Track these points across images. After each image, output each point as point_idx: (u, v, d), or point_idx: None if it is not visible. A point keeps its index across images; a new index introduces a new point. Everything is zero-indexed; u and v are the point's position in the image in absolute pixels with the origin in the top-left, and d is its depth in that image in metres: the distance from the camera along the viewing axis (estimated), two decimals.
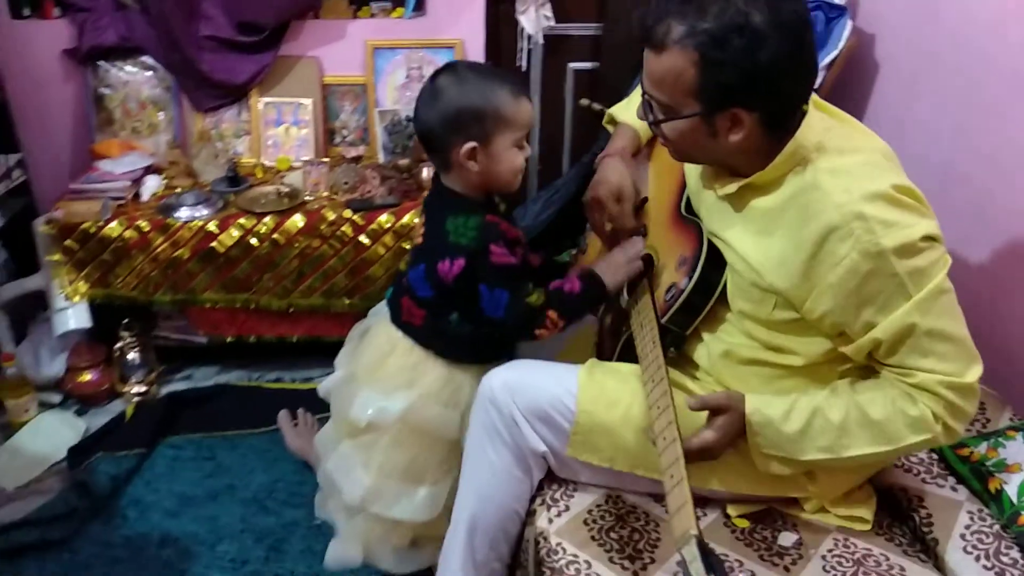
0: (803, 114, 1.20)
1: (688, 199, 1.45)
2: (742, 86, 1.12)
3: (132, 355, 2.30)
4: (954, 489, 1.39)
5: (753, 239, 1.26)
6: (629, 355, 1.43)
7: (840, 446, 1.21)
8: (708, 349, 1.38)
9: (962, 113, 1.81)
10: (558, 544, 1.31)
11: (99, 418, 2.25)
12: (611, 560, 1.27)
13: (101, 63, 2.46)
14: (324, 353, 2.02)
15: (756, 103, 1.14)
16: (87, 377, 2.28)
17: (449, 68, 1.42)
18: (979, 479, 1.37)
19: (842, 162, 1.18)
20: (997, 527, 1.30)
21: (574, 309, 1.46)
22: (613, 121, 1.71)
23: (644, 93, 1.23)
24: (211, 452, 2.14)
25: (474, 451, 1.39)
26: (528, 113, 1.40)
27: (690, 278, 1.32)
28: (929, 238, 1.14)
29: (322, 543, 1.79)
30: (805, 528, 1.35)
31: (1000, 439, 1.39)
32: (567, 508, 1.38)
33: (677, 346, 1.41)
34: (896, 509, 1.40)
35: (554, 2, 2.53)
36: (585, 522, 1.35)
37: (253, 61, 2.47)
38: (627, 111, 1.68)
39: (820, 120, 1.23)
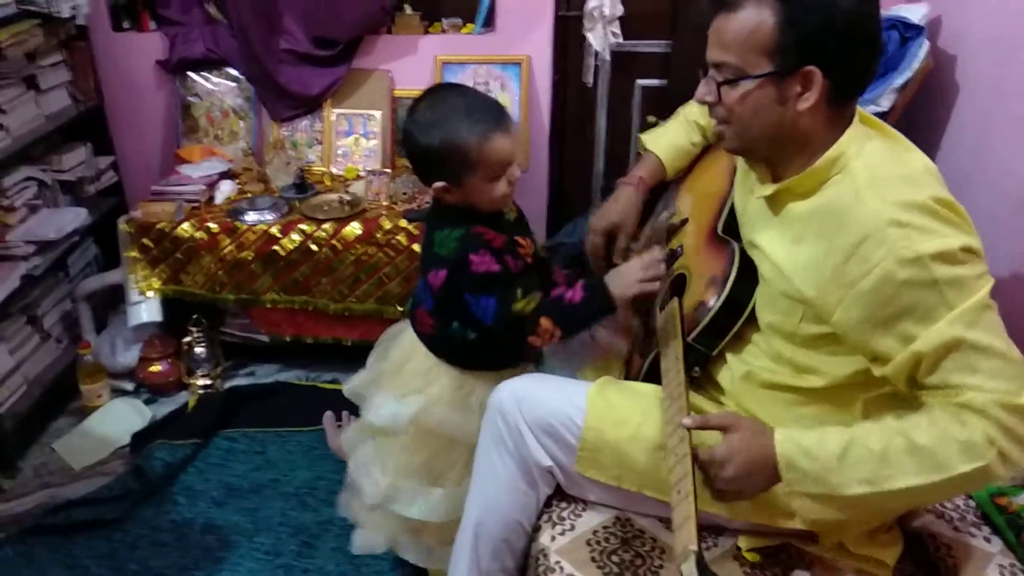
0: (861, 92, 1.17)
1: (727, 219, 1.42)
2: (820, 38, 1.09)
3: (199, 349, 2.42)
4: (987, 540, 1.30)
5: (787, 246, 1.22)
6: (657, 375, 1.41)
7: (882, 477, 1.09)
8: (731, 371, 1.35)
9: None
10: (556, 562, 1.29)
11: (166, 407, 2.39)
12: None
13: (190, 73, 2.62)
14: None
15: (831, 61, 1.10)
16: (157, 368, 2.42)
17: (426, 98, 1.40)
18: (1015, 531, 1.27)
19: (881, 172, 1.14)
20: None
21: (572, 319, 1.40)
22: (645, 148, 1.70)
23: (709, 65, 1.19)
24: (262, 446, 2.22)
25: (481, 460, 1.40)
26: (500, 150, 1.35)
27: (719, 296, 1.30)
28: (969, 250, 1.07)
29: None
30: (820, 567, 1.29)
31: None
32: (572, 527, 1.36)
33: (702, 366, 1.38)
34: (922, 556, 1.32)
35: (623, 19, 2.52)
36: (588, 542, 1.33)
37: (327, 74, 2.57)
38: (657, 140, 1.67)
39: (864, 132, 1.20)
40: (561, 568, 1.28)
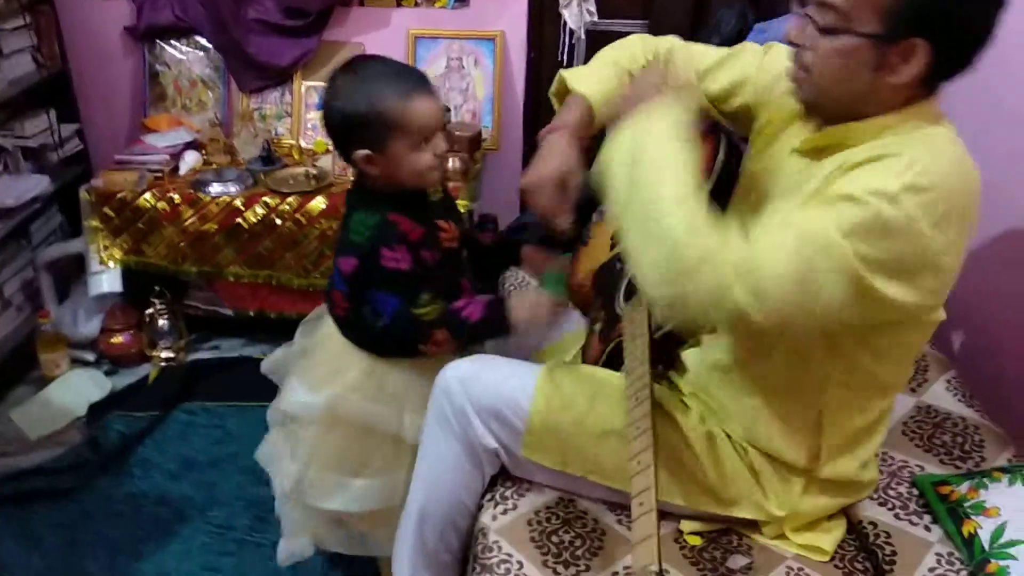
0: (957, 76, 1.06)
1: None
2: (941, 13, 0.99)
3: (162, 322, 2.40)
4: (927, 528, 1.30)
5: None
6: (615, 365, 1.39)
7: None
8: (698, 356, 1.34)
9: None
10: (495, 542, 1.29)
11: (126, 379, 2.37)
12: (544, 563, 1.25)
13: (158, 41, 2.58)
14: None
15: (943, 39, 1.00)
16: (119, 339, 2.40)
17: (344, 68, 1.36)
18: (954, 520, 1.27)
19: (892, 161, 1.01)
20: (964, 574, 1.21)
21: (468, 335, 1.41)
22: (562, 93, 1.44)
23: (814, 2, 1.07)
24: (222, 420, 2.21)
25: (427, 441, 1.39)
26: (424, 113, 1.31)
27: None
28: (914, 189, 0.98)
29: None
30: (760, 553, 1.29)
31: (984, 479, 1.29)
32: (514, 507, 1.36)
33: (666, 364, 1.37)
34: (862, 543, 1.32)
35: None
36: (529, 522, 1.33)
37: (298, 45, 2.53)
38: (583, 79, 1.40)
39: (933, 116, 1.09)
40: (499, 547, 1.28)
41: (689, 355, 1.36)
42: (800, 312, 1.02)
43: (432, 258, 1.42)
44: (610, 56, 1.46)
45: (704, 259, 0.99)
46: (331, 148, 2.46)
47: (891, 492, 1.37)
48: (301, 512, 1.57)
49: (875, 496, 1.37)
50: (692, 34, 2.41)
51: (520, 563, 1.25)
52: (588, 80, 1.39)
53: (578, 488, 1.38)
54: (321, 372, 1.51)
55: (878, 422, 1.27)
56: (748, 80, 1.36)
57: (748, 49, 1.41)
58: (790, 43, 1.13)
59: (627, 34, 2.54)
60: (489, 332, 1.43)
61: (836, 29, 1.05)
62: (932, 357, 1.67)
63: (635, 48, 1.47)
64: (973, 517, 1.25)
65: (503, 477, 1.41)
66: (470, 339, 1.44)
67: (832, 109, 1.13)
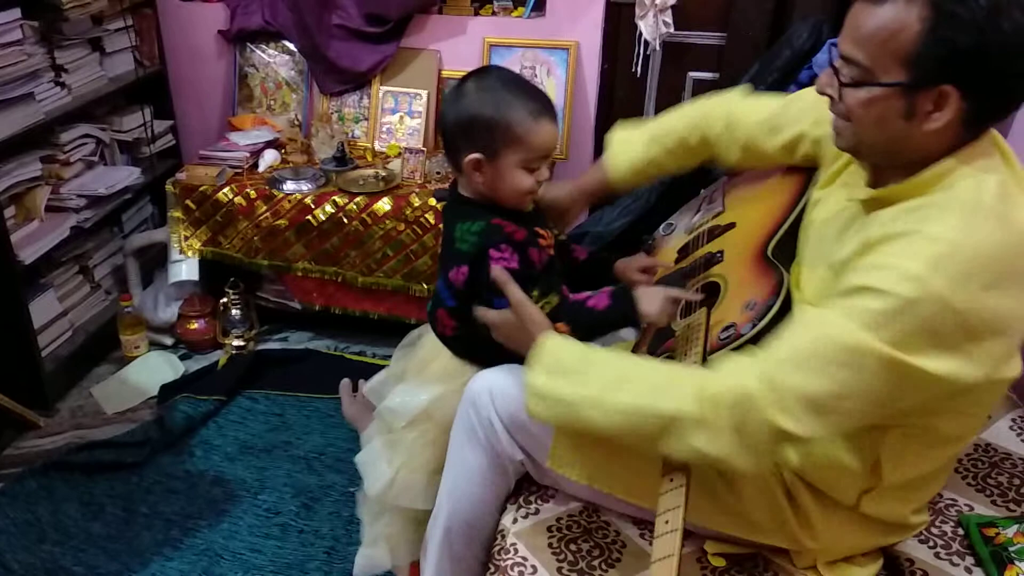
0: (1003, 118, 1.03)
1: (780, 240, 1.32)
2: (967, 60, 0.95)
3: (235, 311, 2.50)
4: (968, 571, 1.22)
5: None
6: None
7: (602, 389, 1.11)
8: None
9: None
10: (512, 544, 1.29)
11: (199, 364, 2.49)
12: (559, 570, 1.24)
13: (248, 45, 2.70)
14: (406, 333, 2.06)
15: (974, 83, 0.96)
16: (194, 326, 2.52)
17: (479, 73, 1.39)
18: (998, 564, 1.19)
19: (970, 240, 0.96)
20: None
21: (591, 326, 1.33)
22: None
23: (839, 56, 1.07)
24: (281, 409, 2.29)
25: (453, 451, 1.38)
26: (545, 137, 1.32)
27: (754, 325, 1.17)
28: (938, 264, 0.94)
29: (349, 510, 1.91)
30: None
31: None
32: (536, 512, 1.35)
33: None
34: None
35: (676, 8, 2.46)
36: (550, 528, 1.32)
37: (377, 51, 2.61)
38: (626, 152, 1.58)
39: (988, 162, 1.03)
40: (516, 550, 1.28)
41: None
42: (855, 417, 1.02)
43: (539, 258, 1.40)
44: (659, 125, 1.58)
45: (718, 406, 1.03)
46: (405, 151, 2.51)
47: (934, 530, 1.30)
48: (385, 517, 1.59)
49: (917, 533, 1.30)
50: (768, 46, 2.35)
51: (535, 567, 1.24)
52: (622, 148, 1.60)
53: (604, 501, 1.36)
54: (434, 380, 1.51)
55: (943, 470, 1.21)
56: (804, 135, 1.38)
57: (802, 99, 1.41)
58: (822, 94, 1.11)
59: (705, 47, 2.55)
60: (615, 323, 1.36)
61: (860, 82, 1.03)
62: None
63: (684, 120, 1.55)
64: (1018, 563, 1.17)
65: (529, 482, 1.40)
66: (593, 331, 1.36)
67: (877, 156, 1.10)
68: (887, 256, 0.98)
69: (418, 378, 1.55)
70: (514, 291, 1.27)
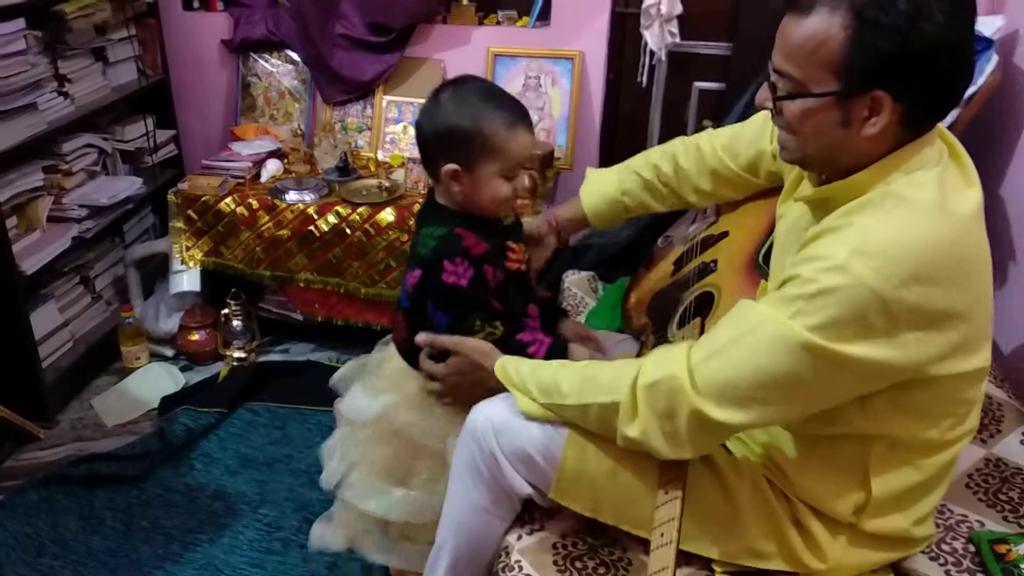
0: (940, 119, 1.04)
1: (768, 249, 1.33)
2: (891, 65, 0.97)
3: (236, 322, 2.49)
4: None
5: None
6: None
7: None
8: None
9: None
10: (516, 561, 1.26)
11: (200, 375, 2.47)
12: None
13: (252, 54, 2.70)
14: None
15: (904, 88, 0.99)
16: (195, 337, 2.50)
17: (454, 83, 1.38)
18: None
19: (900, 232, 0.99)
20: None
21: None
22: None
23: (772, 70, 1.08)
24: (282, 421, 2.27)
25: (454, 483, 1.35)
26: (522, 146, 1.33)
27: None
28: (863, 253, 0.97)
29: None
30: None
31: None
32: (541, 528, 1.33)
33: None
34: None
35: (682, 18, 2.45)
36: (555, 545, 1.30)
37: (380, 60, 2.60)
38: (599, 183, 1.64)
39: (926, 155, 1.05)
40: (520, 567, 1.25)
41: None
42: (782, 407, 1.06)
43: (494, 277, 1.40)
44: (633, 158, 1.64)
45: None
46: (408, 161, 2.51)
47: (945, 547, 1.28)
48: (346, 513, 1.58)
49: (927, 550, 1.27)
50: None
51: None
52: (595, 178, 1.67)
53: (610, 530, 1.33)
54: (386, 382, 1.52)
55: (936, 479, 1.18)
56: (763, 152, 1.46)
57: (756, 119, 1.48)
58: (762, 107, 1.13)
59: (711, 57, 2.55)
60: None
61: (795, 94, 1.04)
62: (1009, 407, 1.55)
63: (657, 152, 1.62)
64: None
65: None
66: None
67: (821, 166, 1.13)
68: (816, 248, 1.02)
69: (374, 375, 1.55)
70: (444, 340, 1.35)
